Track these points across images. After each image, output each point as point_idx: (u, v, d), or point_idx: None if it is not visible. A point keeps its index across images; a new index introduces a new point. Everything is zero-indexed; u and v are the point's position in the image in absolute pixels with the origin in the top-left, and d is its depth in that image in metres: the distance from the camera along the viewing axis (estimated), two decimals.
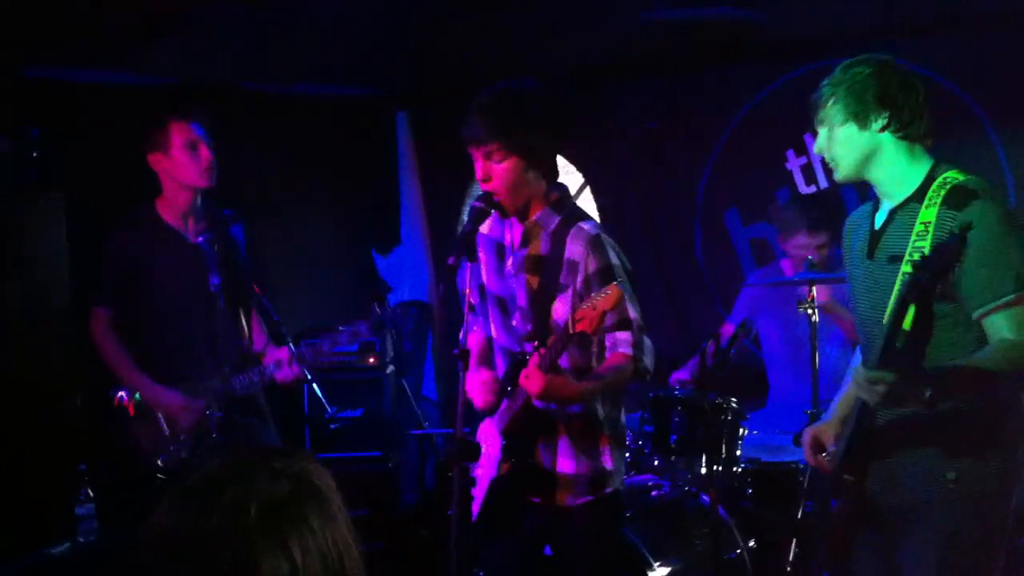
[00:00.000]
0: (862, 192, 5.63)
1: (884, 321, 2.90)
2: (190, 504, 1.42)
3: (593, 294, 3.16)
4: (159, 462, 4.32)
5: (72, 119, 5.38)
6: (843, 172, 3.08)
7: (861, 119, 2.99)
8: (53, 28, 4.64)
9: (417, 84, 6.86)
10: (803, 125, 5.74)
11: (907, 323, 2.75)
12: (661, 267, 6.33)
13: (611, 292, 3.08)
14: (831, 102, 3.03)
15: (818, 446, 3.24)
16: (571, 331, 3.14)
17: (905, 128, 2.99)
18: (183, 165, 4.31)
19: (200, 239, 4.20)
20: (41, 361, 4.84)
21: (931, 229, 2.88)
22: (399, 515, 5.91)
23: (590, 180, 6.62)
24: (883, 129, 2.99)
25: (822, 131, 3.08)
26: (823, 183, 5.79)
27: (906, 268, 2.87)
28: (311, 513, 1.43)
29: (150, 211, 4.41)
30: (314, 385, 5.82)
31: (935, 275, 2.71)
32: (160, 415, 4.34)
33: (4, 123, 4.98)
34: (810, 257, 4.94)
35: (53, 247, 4.91)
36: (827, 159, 3.11)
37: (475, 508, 3.59)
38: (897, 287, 2.91)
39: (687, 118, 6.21)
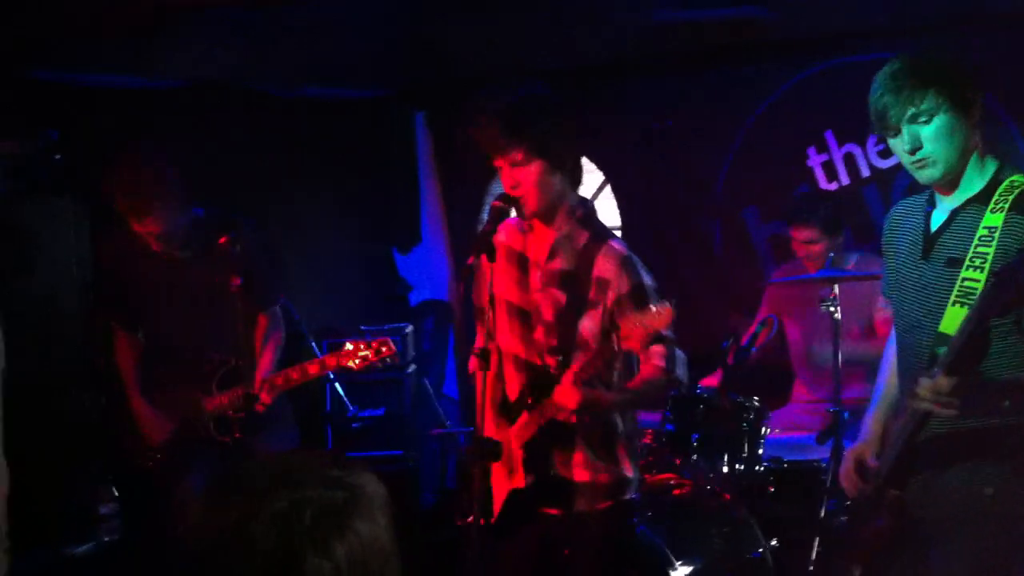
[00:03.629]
0: (883, 191, 5.62)
1: (940, 328, 2.77)
2: (242, 500, 1.45)
3: (641, 313, 3.18)
4: (145, 465, 4.40)
5: (84, 122, 5.40)
6: (943, 169, 2.84)
7: (965, 109, 2.80)
8: (63, 31, 4.66)
9: (433, 83, 6.86)
10: (824, 122, 5.82)
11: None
12: (678, 267, 6.32)
13: (664, 313, 3.12)
14: (932, 92, 2.77)
15: (862, 468, 3.07)
16: (617, 348, 3.20)
17: (981, 121, 2.85)
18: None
19: (186, 252, 4.30)
20: (61, 362, 4.86)
21: (997, 235, 2.74)
22: (420, 514, 5.91)
23: (609, 179, 6.61)
24: (978, 121, 2.82)
25: (912, 128, 2.82)
26: (844, 180, 5.78)
27: (967, 273, 2.75)
28: (360, 522, 1.47)
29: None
30: (336, 384, 5.86)
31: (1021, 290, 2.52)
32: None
33: (15, 126, 5.01)
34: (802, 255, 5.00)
35: (66, 249, 4.93)
36: (921, 156, 2.83)
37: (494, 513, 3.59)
38: (955, 293, 2.77)
39: (705, 116, 6.19)
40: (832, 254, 4.89)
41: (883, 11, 5.29)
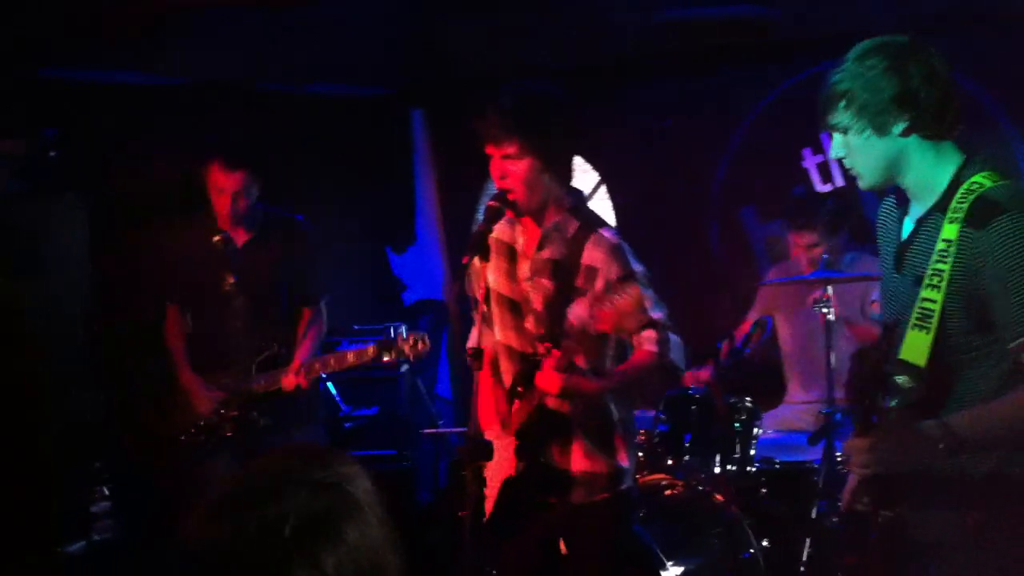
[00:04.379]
0: (880, 194, 5.61)
1: (901, 354, 2.57)
2: (226, 517, 1.43)
3: (612, 295, 3.19)
4: (181, 437, 4.51)
5: (88, 120, 5.40)
6: (867, 182, 2.69)
7: (879, 126, 2.60)
8: (67, 29, 4.67)
9: (432, 83, 6.87)
10: (819, 123, 5.80)
11: (921, 358, 2.51)
12: (675, 266, 6.32)
13: (631, 292, 3.13)
14: (842, 106, 2.63)
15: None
16: (590, 331, 3.19)
17: (930, 127, 2.60)
18: (214, 202, 4.50)
19: (242, 242, 4.52)
20: (58, 361, 4.86)
21: (952, 250, 2.54)
22: (414, 514, 5.91)
23: (605, 179, 6.62)
24: (906, 132, 2.60)
25: (837, 136, 2.70)
26: (839, 181, 5.78)
27: (925, 293, 2.56)
28: (346, 525, 1.44)
29: (207, 216, 4.59)
30: (328, 384, 5.86)
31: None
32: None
33: (19, 125, 5.00)
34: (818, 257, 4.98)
35: (70, 248, 4.93)
36: (847, 167, 2.73)
37: (487, 508, 3.60)
38: (914, 315, 2.59)
39: (702, 116, 6.20)
40: (826, 255, 4.89)
41: (883, 12, 5.29)
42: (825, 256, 4.87)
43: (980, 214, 2.52)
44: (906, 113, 2.59)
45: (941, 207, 2.61)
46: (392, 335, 4.29)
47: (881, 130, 2.61)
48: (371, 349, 4.31)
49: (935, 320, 2.55)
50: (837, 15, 5.37)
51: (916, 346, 2.56)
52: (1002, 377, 2.60)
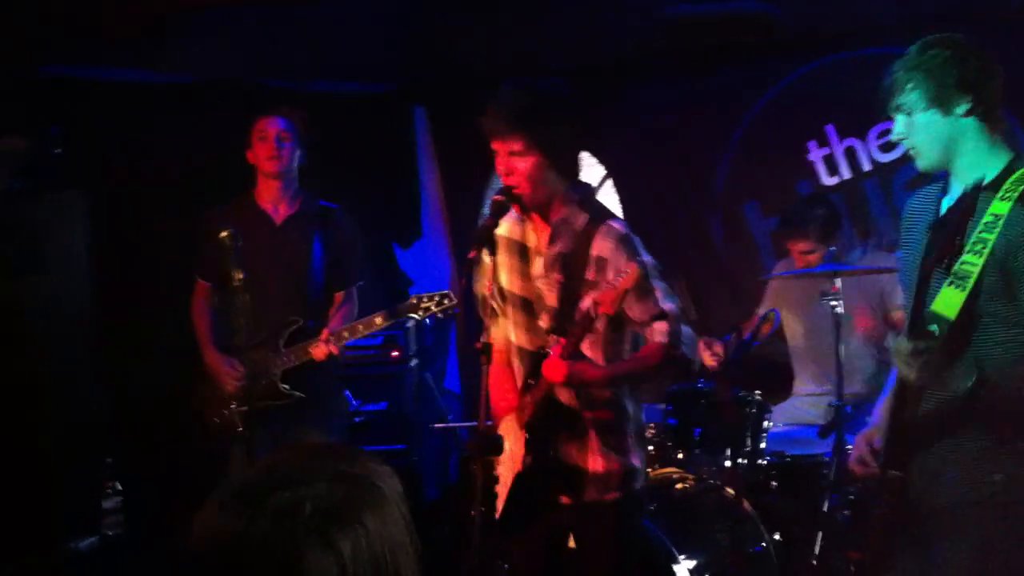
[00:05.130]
0: (885, 185, 5.61)
1: (932, 307, 2.79)
2: (243, 505, 1.42)
3: (612, 276, 3.18)
4: (215, 420, 4.58)
5: (89, 118, 5.39)
6: (926, 161, 2.92)
7: (943, 104, 2.84)
8: (69, 27, 4.66)
9: (435, 79, 6.86)
10: (824, 116, 5.81)
11: (951, 312, 2.71)
12: (679, 261, 6.30)
13: (630, 272, 3.13)
14: (909, 87, 2.86)
15: (873, 451, 3.06)
16: (593, 315, 3.19)
17: (988, 113, 2.86)
18: (255, 153, 4.67)
19: (283, 218, 4.68)
20: (58, 360, 4.85)
21: (1001, 223, 2.74)
22: (422, 509, 5.91)
23: (610, 174, 6.61)
24: (967, 114, 2.84)
25: (900, 117, 2.91)
26: (845, 174, 5.77)
27: (966, 257, 2.75)
28: (367, 514, 1.43)
29: (247, 196, 4.76)
30: None
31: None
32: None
33: (22, 122, 5.00)
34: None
35: (71, 247, 4.92)
36: (907, 147, 2.95)
37: (499, 504, 3.58)
38: (952, 274, 2.78)
39: (705, 112, 6.19)
40: (833, 248, 4.88)
41: (885, 7, 5.28)
42: (832, 249, 4.86)
43: None
44: (969, 94, 2.83)
45: (992, 188, 2.81)
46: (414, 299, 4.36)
47: (945, 109, 2.85)
48: (399, 311, 4.38)
49: (971, 282, 2.74)
50: (840, 11, 5.36)
51: (948, 301, 2.76)
52: (1013, 344, 2.79)
